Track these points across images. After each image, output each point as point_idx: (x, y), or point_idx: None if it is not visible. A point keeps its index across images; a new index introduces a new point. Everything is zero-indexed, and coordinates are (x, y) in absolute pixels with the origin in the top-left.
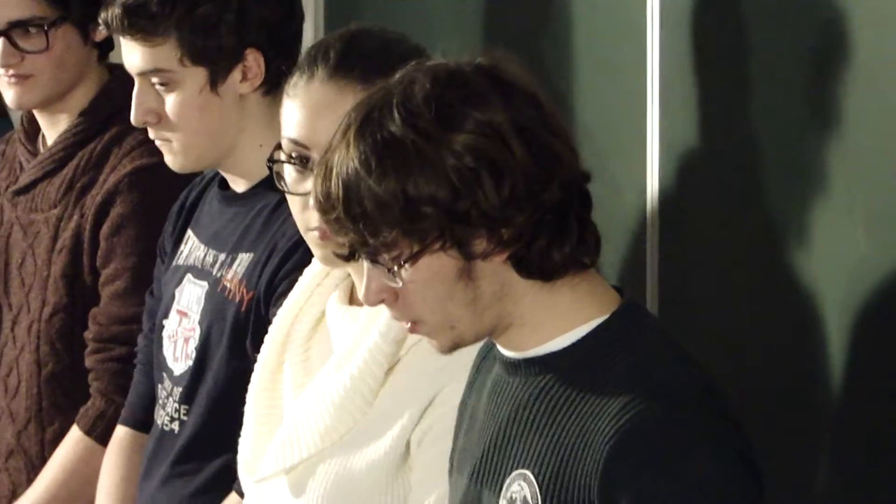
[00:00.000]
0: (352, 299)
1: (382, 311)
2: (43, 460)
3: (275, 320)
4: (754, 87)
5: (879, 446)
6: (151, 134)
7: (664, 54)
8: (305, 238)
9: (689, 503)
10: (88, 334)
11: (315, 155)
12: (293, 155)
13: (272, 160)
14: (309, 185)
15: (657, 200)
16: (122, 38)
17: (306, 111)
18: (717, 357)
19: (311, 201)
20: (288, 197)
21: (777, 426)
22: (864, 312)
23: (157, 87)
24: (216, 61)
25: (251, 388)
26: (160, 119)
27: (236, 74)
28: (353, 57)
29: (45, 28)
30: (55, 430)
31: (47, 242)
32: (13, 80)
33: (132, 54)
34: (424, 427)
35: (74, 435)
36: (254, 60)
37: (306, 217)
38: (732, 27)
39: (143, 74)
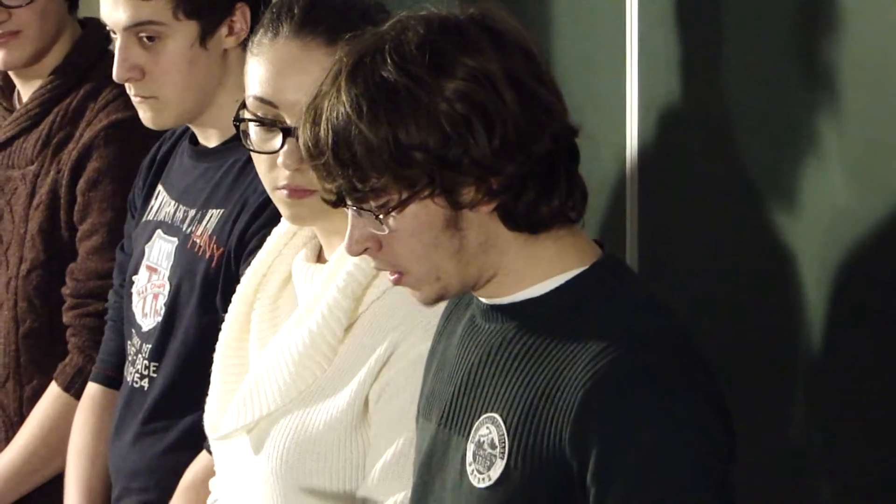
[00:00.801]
0: (318, 258)
1: (342, 268)
2: (21, 417)
3: (243, 278)
4: (734, 43)
5: (856, 400)
6: (133, 90)
7: (644, 9)
8: (272, 197)
9: (660, 444)
10: (66, 290)
11: (282, 112)
12: (259, 113)
13: (238, 119)
14: (276, 143)
15: (636, 156)
16: None
17: (272, 69)
18: (695, 312)
19: (280, 161)
20: (254, 156)
21: (754, 380)
22: (842, 265)
23: (145, 40)
24: (209, 15)
25: (219, 345)
26: (144, 75)
27: (223, 29)
28: (317, 13)
29: None
30: (34, 387)
31: (24, 199)
32: (1, 39)
33: (120, 8)
34: (382, 383)
35: (53, 391)
36: (241, 15)
37: (273, 176)
38: None
39: (131, 28)
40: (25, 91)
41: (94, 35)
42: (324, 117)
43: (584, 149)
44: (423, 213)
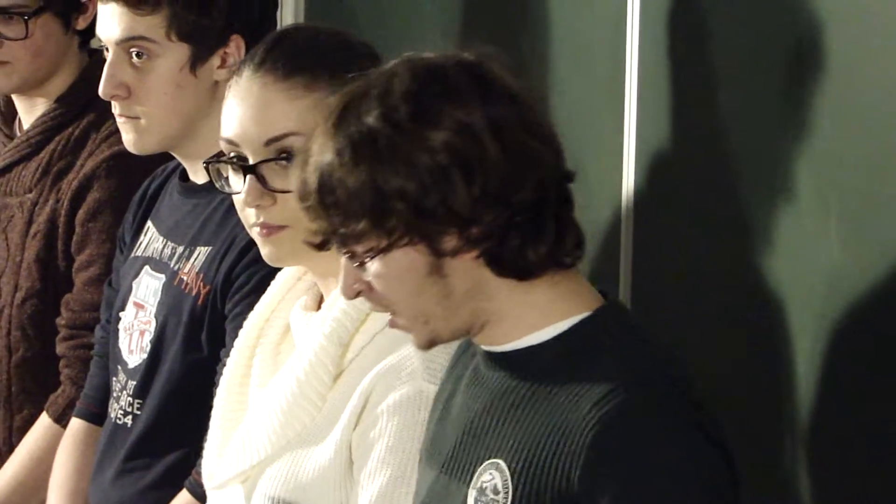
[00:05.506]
0: (319, 306)
1: (330, 315)
2: (10, 447)
3: (246, 323)
4: (732, 90)
5: (851, 446)
6: (118, 109)
7: (643, 54)
8: (251, 234)
9: (669, 486)
10: (61, 321)
11: (243, 150)
12: (231, 155)
13: (206, 161)
14: (241, 181)
15: (632, 201)
16: (107, 6)
17: (234, 109)
18: (688, 358)
19: (241, 198)
20: (233, 197)
21: (747, 426)
22: (838, 318)
23: (135, 59)
24: (202, 41)
25: (219, 389)
26: (130, 94)
27: (215, 59)
28: (278, 51)
29: (25, 17)
30: (24, 417)
31: (21, 227)
32: None
33: (115, 21)
34: (360, 432)
35: (44, 422)
36: (235, 48)
37: (246, 215)
38: (711, 29)
39: (123, 43)
40: (27, 118)
41: (100, 66)
42: (312, 161)
43: (579, 194)
44: (406, 260)
